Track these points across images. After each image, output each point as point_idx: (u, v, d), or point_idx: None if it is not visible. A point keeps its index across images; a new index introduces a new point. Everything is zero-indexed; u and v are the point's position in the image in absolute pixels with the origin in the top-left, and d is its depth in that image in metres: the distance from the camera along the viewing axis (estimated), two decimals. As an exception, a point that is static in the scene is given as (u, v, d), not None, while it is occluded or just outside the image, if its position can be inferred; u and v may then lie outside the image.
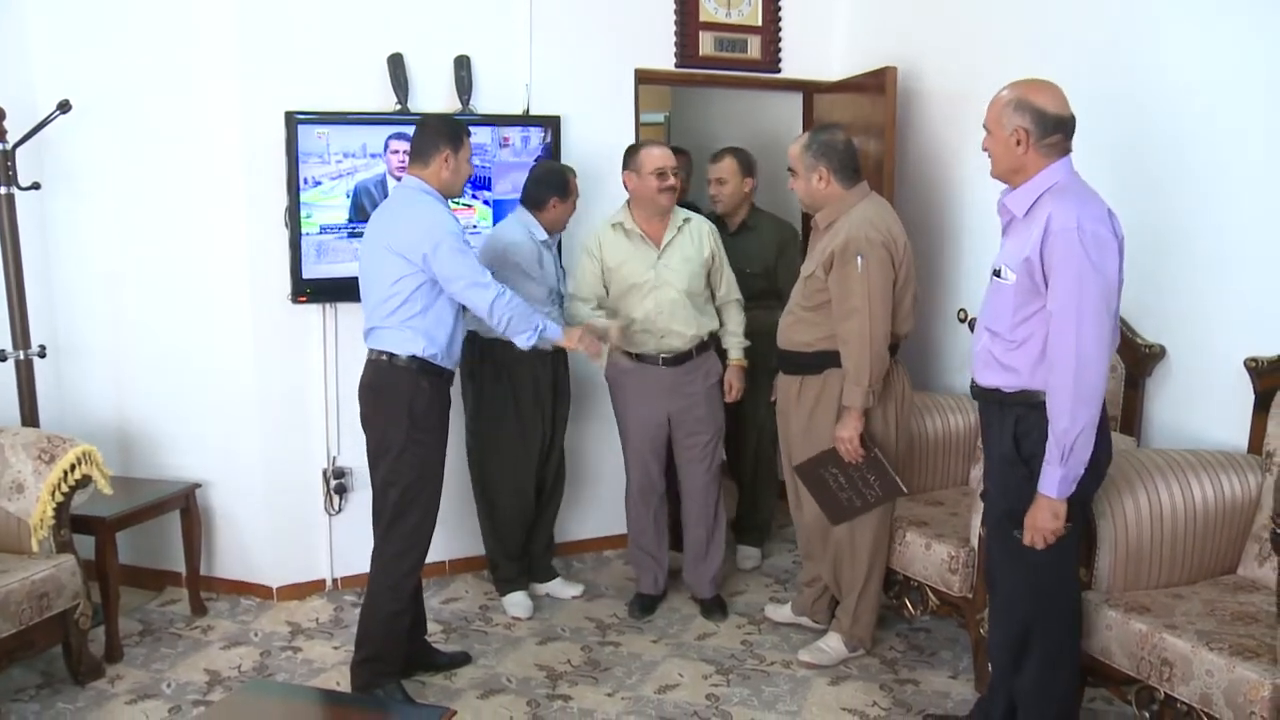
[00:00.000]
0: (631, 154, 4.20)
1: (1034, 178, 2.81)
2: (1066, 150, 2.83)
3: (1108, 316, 2.71)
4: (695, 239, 4.20)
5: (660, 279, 4.12)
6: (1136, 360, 3.78)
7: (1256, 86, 3.36)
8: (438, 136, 3.50)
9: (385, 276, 3.45)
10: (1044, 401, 2.78)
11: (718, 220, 4.72)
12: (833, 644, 3.92)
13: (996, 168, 2.91)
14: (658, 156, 4.13)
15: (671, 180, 4.12)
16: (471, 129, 4.40)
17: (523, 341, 3.58)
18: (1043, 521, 2.79)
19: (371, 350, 3.55)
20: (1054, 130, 2.79)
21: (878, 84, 4.69)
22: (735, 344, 4.34)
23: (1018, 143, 2.81)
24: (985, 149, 2.93)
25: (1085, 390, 2.69)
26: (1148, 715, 2.95)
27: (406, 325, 3.46)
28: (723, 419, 4.35)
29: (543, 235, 4.23)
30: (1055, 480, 2.75)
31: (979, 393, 3.03)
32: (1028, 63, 3.53)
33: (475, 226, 4.52)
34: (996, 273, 2.89)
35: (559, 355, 4.33)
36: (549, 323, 3.64)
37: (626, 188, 4.21)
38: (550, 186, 4.24)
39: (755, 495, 5.04)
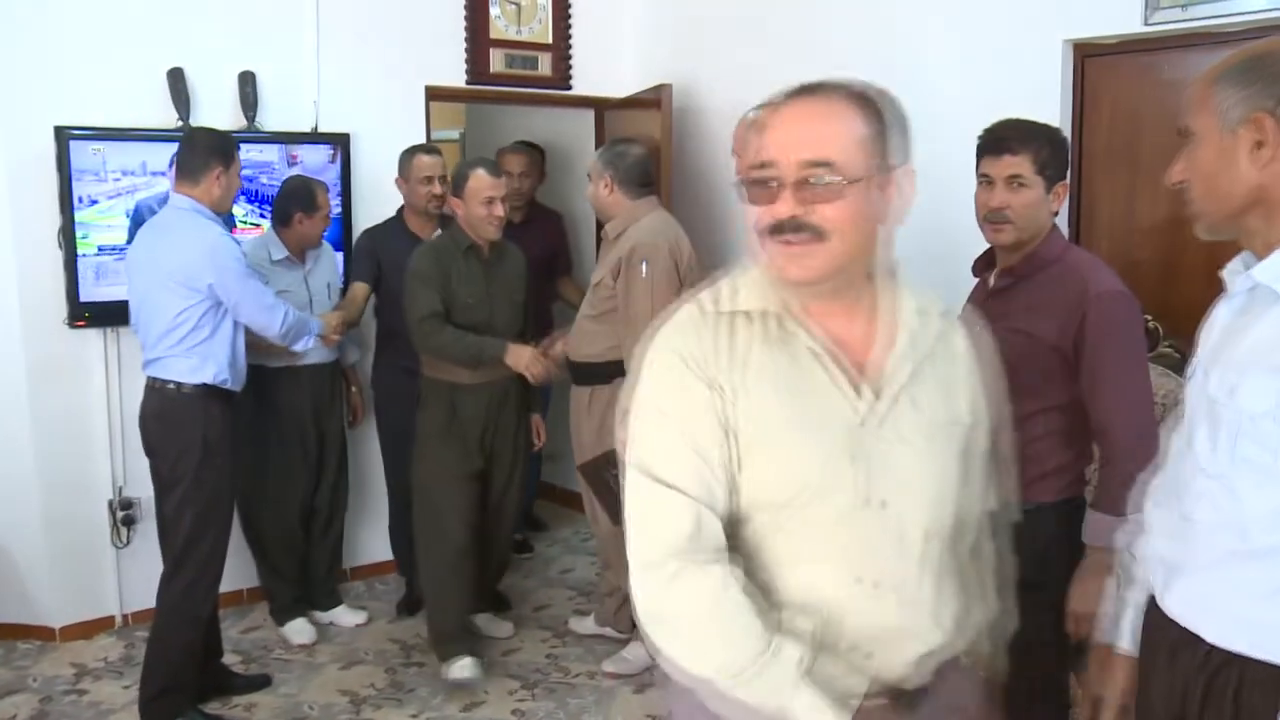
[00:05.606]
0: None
1: None
2: None
3: None
4: (960, 354, 1.65)
5: (872, 481, 1.50)
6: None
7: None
8: (209, 153, 3.41)
9: (168, 308, 3.37)
10: None
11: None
12: (636, 653, 3.98)
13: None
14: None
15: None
16: (258, 147, 4.34)
17: (302, 345, 3.78)
18: None
19: (154, 379, 3.46)
20: None
21: (656, 100, 4.79)
22: None
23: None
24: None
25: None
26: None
27: (194, 352, 3.40)
28: None
29: (281, 254, 4.14)
30: None
31: None
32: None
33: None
34: None
35: (330, 379, 4.29)
36: (314, 321, 3.87)
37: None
38: (295, 201, 4.13)
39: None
